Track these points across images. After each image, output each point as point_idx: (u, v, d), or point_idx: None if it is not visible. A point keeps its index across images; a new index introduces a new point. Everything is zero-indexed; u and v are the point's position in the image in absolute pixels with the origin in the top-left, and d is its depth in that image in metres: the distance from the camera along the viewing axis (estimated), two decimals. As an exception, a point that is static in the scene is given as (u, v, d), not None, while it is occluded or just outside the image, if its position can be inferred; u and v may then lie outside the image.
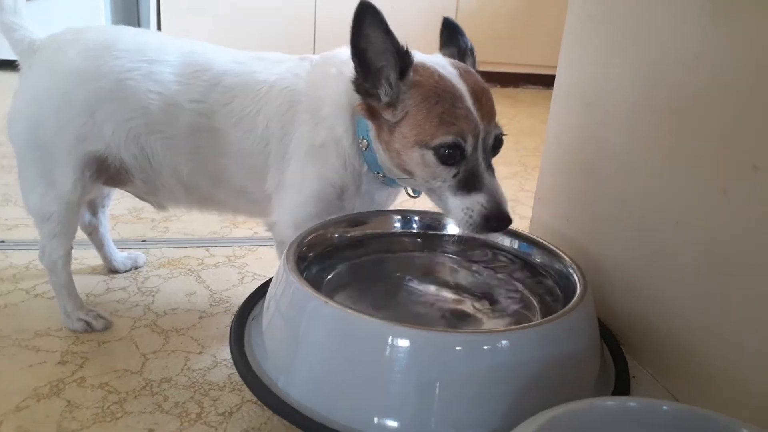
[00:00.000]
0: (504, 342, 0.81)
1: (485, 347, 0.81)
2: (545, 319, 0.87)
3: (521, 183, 2.43)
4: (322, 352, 0.84)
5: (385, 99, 0.97)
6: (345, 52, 1.02)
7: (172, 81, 1.09)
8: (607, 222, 1.24)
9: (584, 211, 1.33)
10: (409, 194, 1.15)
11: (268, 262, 1.56)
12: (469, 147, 0.94)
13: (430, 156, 0.95)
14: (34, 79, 1.11)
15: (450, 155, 0.94)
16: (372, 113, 1.00)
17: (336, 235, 1.14)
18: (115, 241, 1.49)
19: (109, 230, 1.42)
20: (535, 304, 1.05)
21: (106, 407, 0.99)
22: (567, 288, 1.01)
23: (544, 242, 1.13)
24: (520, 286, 1.11)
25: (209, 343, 1.18)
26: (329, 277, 1.09)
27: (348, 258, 1.13)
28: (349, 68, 0.99)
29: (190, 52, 1.13)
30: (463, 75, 0.99)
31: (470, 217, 0.94)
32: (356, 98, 1.01)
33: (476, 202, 0.93)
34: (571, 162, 1.40)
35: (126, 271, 1.45)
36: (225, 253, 1.59)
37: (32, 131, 1.09)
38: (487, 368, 0.80)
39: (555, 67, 1.47)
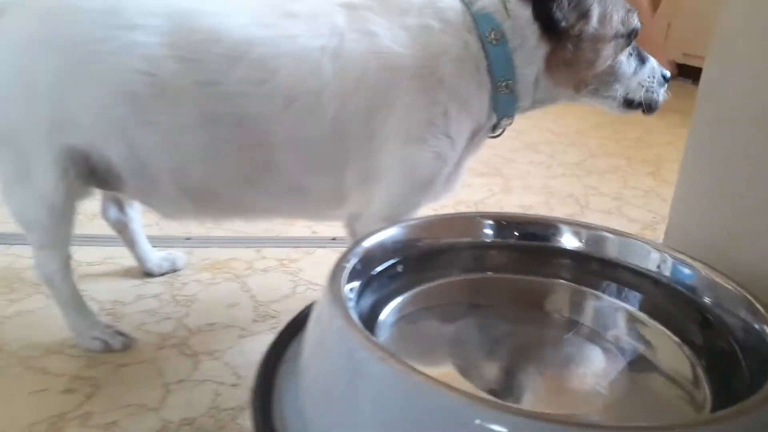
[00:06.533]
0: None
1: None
2: (733, 409, 0.55)
3: (625, 179, 2.09)
4: (375, 425, 0.57)
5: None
6: None
7: (166, 56, 0.82)
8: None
9: (758, 223, 0.93)
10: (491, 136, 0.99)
11: (325, 268, 1.32)
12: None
13: (622, 43, 0.94)
14: None
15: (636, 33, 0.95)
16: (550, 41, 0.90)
17: (403, 246, 0.85)
18: (157, 237, 1.30)
19: (141, 226, 1.22)
20: (694, 363, 0.73)
21: (108, 459, 0.78)
22: (747, 342, 0.68)
23: (715, 270, 0.77)
24: (669, 333, 0.78)
25: (246, 373, 0.96)
26: (389, 309, 0.79)
27: (419, 279, 0.85)
28: (455, 13, 0.88)
29: (185, 12, 0.84)
30: None
31: (653, 77, 0.97)
32: (482, 57, 0.88)
33: (652, 67, 0.98)
34: (733, 150, 0.98)
35: (162, 275, 1.24)
36: (278, 256, 1.36)
37: None
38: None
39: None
